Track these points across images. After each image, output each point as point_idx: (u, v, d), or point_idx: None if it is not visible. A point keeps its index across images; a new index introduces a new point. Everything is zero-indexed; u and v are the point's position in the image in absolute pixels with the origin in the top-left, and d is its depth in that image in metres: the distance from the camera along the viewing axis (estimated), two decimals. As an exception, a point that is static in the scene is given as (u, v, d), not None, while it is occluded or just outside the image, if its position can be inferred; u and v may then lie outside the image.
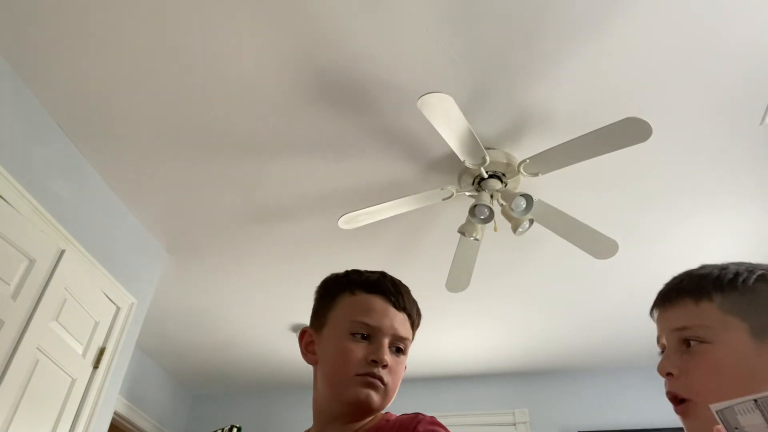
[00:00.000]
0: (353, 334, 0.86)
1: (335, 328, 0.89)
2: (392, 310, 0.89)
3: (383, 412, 0.90)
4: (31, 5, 1.86)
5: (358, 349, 0.85)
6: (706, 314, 0.72)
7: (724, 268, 0.75)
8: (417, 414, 0.84)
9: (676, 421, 0.77)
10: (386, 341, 0.86)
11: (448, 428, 0.82)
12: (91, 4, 1.85)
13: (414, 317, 0.92)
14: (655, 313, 0.79)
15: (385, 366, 0.84)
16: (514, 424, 3.77)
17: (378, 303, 0.89)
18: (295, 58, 1.99)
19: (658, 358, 0.77)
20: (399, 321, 0.88)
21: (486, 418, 3.83)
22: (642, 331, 3.44)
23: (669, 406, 0.75)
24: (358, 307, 0.89)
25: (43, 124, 2.23)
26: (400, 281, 0.94)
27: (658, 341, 0.78)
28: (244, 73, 2.06)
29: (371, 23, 1.87)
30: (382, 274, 0.94)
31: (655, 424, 3.51)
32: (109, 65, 2.04)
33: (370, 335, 0.86)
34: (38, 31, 1.94)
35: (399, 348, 0.88)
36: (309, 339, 0.93)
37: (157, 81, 2.09)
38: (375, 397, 0.84)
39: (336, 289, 0.93)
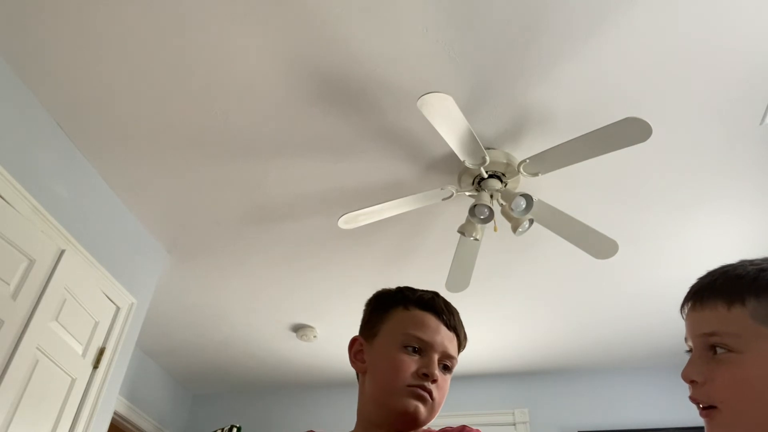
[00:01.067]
0: (406, 347, 0.89)
1: (388, 339, 0.92)
2: (444, 329, 0.92)
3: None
4: (31, 5, 1.86)
5: (411, 362, 0.87)
6: (737, 321, 0.67)
7: (763, 269, 0.69)
8: (464, 426, 0.86)
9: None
10: (436, 357, 0.89)
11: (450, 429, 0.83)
12: (91, 4, 1.85)
13: (461, 339, 0.95)
14: (685, 310, 0.74)
15: (435, 381, 0.87)
16: (514, 424, 3.77)
17: (431, 320, 0.92)
18: (295, 58, 1.99)
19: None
20: (449, 339, 0.92)
21: (486, 418, 3.83)
22: (642, 331, 3.44)
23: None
24: (412, 322, 0.91)
25: (43, 124, 2.23)
26: (450, 303, 0.98)
27: (686, 341, 0.74)
28: (244, 74, 2.06)
29: (371, 23, 1.87)
30: (436, 294, 0.97)
31: (655, 424, 3.51)
32: (110, 65, 2.04)
33: (421, 349, 0.89)
34: (38, 30, 1.94)
35: (446, 366, 0.91)
36: (359, 348, 0.96)
37: (158, 81, 2.09)
38: (423, 409, 0.86)
39: (390, 303, 0.96)
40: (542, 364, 3.86)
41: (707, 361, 0.68)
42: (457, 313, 0.97)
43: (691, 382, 0.69)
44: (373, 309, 0.99)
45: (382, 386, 0.88)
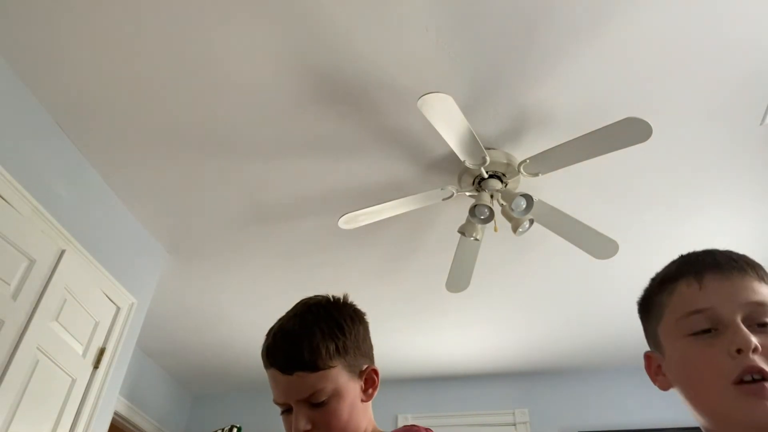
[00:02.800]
0: (280, 413, 0.88)
1: None
2: (282, 379, 0.85)
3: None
4: (31, 5, 1.86)
5: (287, 424, 0.87)
6: None
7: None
8: (412, 426, 0.84)
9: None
10: (297, 408, 0.84)
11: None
12: (91, 5, 1.85)
13: (316, 366, 0.84)
14: (709, 279, 0.68)
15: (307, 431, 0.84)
16: (514, 424, 3.77)
17: (272, 376, 0.87)
18: (296, 58, 1.99)
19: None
20: (293, 385, 0.84)
21: (486, 418, 3.83)
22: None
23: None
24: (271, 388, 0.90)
25: (43, 124, 2.23)
26: (290, 328, 0.89)
27: (704, 311, 0.66)
28: (245, 74, 2.06)
29: (371, 23, 1.87)
30: (272, 336, 0.90)
31: (655, 424, 3.51)
32: (110, 66, 2.04)
33: (287, 409, 0.87)
34: (37, 30, 1.94)
35: (315, 403, 0.84)
36: None
37: (158, 81, 2.09)
38: None
39: None
40: (542, 364, 3.86)
41: (755, 332, 0.64)
42: (293, 339, 0.86)
43: (754, 350, 0.62)
44: None
45: None
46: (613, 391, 3.76)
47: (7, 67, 2.07)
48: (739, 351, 0.62)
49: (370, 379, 0.91)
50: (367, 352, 0.93)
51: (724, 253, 0.71)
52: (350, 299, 0.95)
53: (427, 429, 0.84)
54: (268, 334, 0.91)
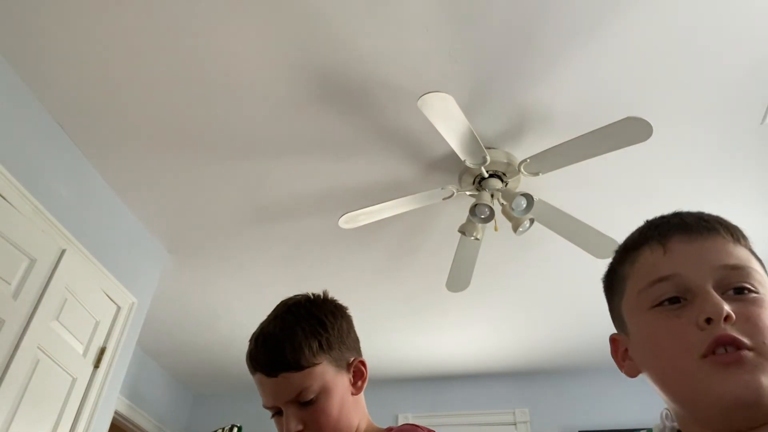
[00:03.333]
0: (271, 416, 0.88)
1: None
2: (268, 382, 0.86)
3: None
4: (33, 5, 1.86)
5: (279, 429, 0.87)
6: (753, 259, 0.59)
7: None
8: (414, 426, 0.83)
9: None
10: (286, 409, 0.85)
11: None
12: (91, 4, 1.85)
13: (299, 364, 0.84)
14: (675, 242, 0.60)
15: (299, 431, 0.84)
16: (514, 424, 3.77)
17: (258, 381, 0.88)
18: (296, 58, 1.99)
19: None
20: (279, 386, 0.84)
21: (486, 418, 3.83)
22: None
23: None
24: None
25: (45, 124, 2.23)
26: (271, 331, 0.89)
27: (669, 278, 0.58)
28: (245, 73, 2.06)
29: (372, 23, 1.87)
30: (255, 341, 0.90)
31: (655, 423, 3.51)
32: (111, 66, 2.05)
33: (277, 412, 0.87)
34: (38, 30, 1.94)
35: (304, 402, 0.84)
36: None
37: (158, 81, 2.10)
38: None
39: None
40: (542, 364, 3.86)
41: (730, 299, 0.55)
42: (275, 344, 0.87)
43: (726, 319, 0.54)
44: None
45: None
46: (613, 391, 3.76)
47: (9, 67, 2.07)
48: (708, 320, 0.53)
49: (358, 372, 0.91)
50: (352, 345, 0.93)
51: (693, 214, 0.63)
52: (330, 295, 0.95)
53: (429, 430, 0.83)
54: (251, 340, 0.91)
